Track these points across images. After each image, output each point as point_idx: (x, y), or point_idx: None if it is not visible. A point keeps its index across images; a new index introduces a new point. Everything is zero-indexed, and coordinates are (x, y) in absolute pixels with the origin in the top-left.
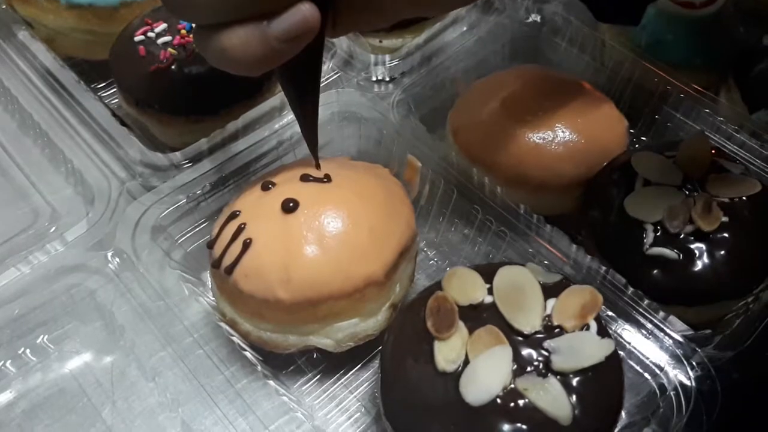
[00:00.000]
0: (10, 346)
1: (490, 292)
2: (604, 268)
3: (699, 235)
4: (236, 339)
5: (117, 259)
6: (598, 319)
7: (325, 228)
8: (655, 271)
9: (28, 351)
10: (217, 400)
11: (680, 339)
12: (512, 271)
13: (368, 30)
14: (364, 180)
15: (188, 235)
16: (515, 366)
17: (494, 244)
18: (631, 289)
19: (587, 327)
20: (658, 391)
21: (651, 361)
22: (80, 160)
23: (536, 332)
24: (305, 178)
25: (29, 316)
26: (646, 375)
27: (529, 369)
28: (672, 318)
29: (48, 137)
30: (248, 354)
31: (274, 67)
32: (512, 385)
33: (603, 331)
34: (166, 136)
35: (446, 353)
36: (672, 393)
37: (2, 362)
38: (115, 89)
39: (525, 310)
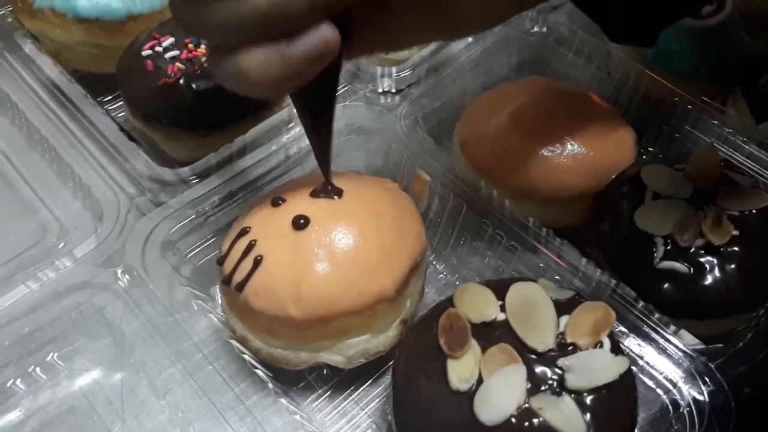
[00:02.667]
0: (19, 364)
1: (503, 309)
2: (614, 281)
3: (710, 249)
4: (247, 356)
5: (126, 276)
6: (611, 336)
7: (336, 245)
8: (665, 285)
9: (37, 369)
10: (228, 417)
11: (693, 354)
12: (524, 288)
13: (383, 53)
14: (373, 195)
15: (197, 250)
16: (529, 385)
17: (504, 258)
18: (641, 303)
19: (600, 344)
20: (671, 408)
21: (664, 377)
22: (88, 175)
23: (550, 350)
24: (315, 194)
25: (38, 333)
26: (659, 391)
27: (543, 388)
28: (683, 332)
29: (56, 152)
30: (259, 371)
31: (291, 89)
32: (526, 405)
33: (616, 349)
34: (174, 151)
35: (459, 372)
36: (686, 410)
37: (12, 380)
38: (121, 102)
39: (538, 327)
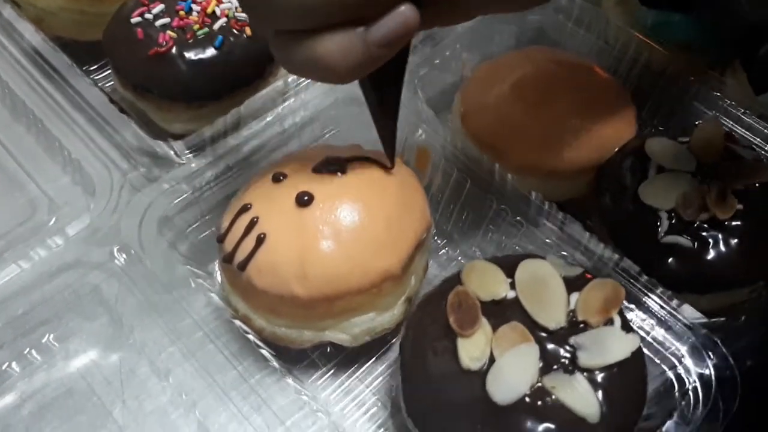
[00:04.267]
0: (13, 346)
1: (512, 286)
2: (617, 255)
3: (714, 224)
4: (251, 336)
5: (122, 254)
6: (621, 313)
7: (341, 222)
8: (669, 259)
9: (32, 350)
10: (231, 396)
11: (698, 328)
12: (534, 265)
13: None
14: (377, 170)
15: (194, 226)
16: (542, 363)
17: (506, 233)
18: (644, 277)
19: (611, 322)
20: (676, 383)
21: (669, 352)
22: (77, 149)
23: (561, 328)
24: (318, 169)
25: (31, 314)
26: (664, 366)
27: (555, 366)
28: (686, 306)
29: (42, 124)
30: (262, 350)
31: (366, 74)
32: (539, 383)
33: (627, 326)
34: (166, 123)
35: (470, 351)
36: (692, 384)
37: (6, 363)
38: (108, 72)
39: (549, 305)
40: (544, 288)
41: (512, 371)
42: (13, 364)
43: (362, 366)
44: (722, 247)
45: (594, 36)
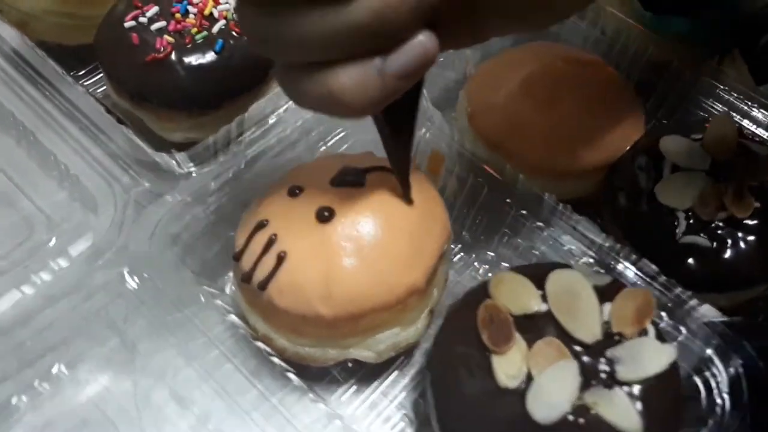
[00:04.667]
0: (19, 377)
1: (543, 299)
2: (634, 256)
3: (732, 222)
4: (277, 360)
5: (131, 274)
6: (653, 321)
7: (365, 237)
8: (689, 260)
9: (40, 381)
10: (254, 417)
11: (722, 328)
12: (564, 276)
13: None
14: (395, 180)
15: (203, 240)
16: (581, 379)
17: (522, 236)
18: (662, 278)
19: (645, 332)
20: (707, 386)
21: (696, 356)
22: (74, 163)
23: (597, 342)
24: (336, 182)
25: (36, 341)
26: (689, 368)
27: (594, 381)
28: (706, 306)
29: (34, 137)
30: (282, 367)
31: (382, 107)
32: (580, 400)
33: (661, 336)
34: (165, 132)
35: (507, 368)
36: (723, 387)
37: (13, 396)
38: (97, 77)
39: (583, 318)
40: (576, 300)
41: (553, 389)
42: (22, 397)
43: (385, 380)
44: (743, 246)
45: (594, 28)
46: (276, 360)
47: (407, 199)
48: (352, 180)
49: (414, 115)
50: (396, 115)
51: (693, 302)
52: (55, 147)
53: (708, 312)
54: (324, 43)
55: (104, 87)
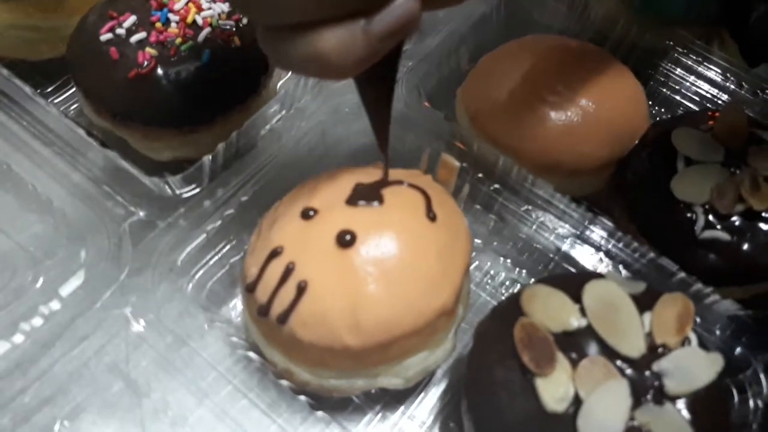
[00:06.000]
0: None
1: (581, 312)
2: (652, 253)
3: (751, 214)
4: (286, 384)
5: (131, 312)
6: (693, 328)
7: (390, 261)
8: (710, 255)
9: None
10: None
11: (749, 323)
12: (601, 288)
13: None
14: (414, 194)
15: (205, 269)
16: (632, 398)
17: (536, 239)
18: (681, 274)
19: (688, 341)
20: (736, 391)
21: (733, 355)
22: (54, 192)
23: (642, 356)
24: (353, 201)
25: (29, 393)
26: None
27: (643, 399)
28: (727, 301)
29: (8, 166)
30: (302, 399)
31: (367, 67)
32: (632, 421)
33: (703, 343)
34: (153, 152)
35: (553, 391)
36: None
37: None
38: (68, 94)
39: (626, 332)
40: (616, 313)
41: (605, 411)
42: None
43: (411, 403)
44: (763, 238)
45: (577, 12)
46: (286, 383)
47: (386, 162)
48: (368, 197)
49: (393, 77)
50: (377, 77)
51: (715, 296)
52: (31, 176)
53: (729, 307)
54: (309, 3)
55: (77, 104)
